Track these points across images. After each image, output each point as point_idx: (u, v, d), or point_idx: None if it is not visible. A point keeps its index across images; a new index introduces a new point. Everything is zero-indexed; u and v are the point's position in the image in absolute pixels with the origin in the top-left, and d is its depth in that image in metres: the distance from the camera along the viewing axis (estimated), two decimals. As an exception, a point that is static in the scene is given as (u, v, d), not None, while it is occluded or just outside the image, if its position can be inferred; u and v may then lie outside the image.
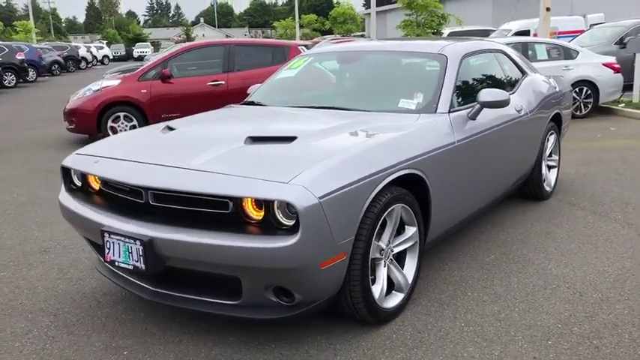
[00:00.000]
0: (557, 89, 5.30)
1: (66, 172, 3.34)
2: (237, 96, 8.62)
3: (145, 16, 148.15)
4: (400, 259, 3.17)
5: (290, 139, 2.99)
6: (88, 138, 8.69)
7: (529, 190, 5.07)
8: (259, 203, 2.60)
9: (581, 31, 17.49)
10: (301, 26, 36.19)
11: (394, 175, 2.90)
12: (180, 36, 71.94)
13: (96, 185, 3.21)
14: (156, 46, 55.69)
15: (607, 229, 4.43)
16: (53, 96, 17.20)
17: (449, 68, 3.80)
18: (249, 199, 2.59)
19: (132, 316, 3.21)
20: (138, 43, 58.33)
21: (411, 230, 3.15)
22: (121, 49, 57.15)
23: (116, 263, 2.82)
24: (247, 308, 2.71)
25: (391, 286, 3.10)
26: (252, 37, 64.95)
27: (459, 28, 20.35)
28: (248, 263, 2.52)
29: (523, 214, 4.83)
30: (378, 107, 3.63)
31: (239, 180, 2.60)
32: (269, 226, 2.57)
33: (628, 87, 11.19)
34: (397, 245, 3.09)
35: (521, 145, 4.49)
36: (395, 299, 3.08)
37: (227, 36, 72.24)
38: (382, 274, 2.99)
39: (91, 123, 8.51)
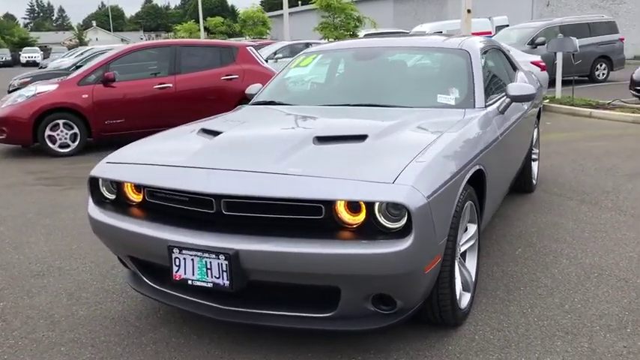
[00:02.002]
0: (539, 84, 5.47)
1: (94, 183, 2.97)
2: (186, 99, 8.28)
3: (26, 19, 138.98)
4: (463, 257, 3.09)
5: (361, 137, 2.82)
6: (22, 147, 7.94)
7: (520, 182, 5.18)
8: (353, 206, 2.42)
9: (488, 33, 18.44)
10: (207, 30, 35.33)
11: (471, 172, 2.83)
12: (71, 40, 68.07)
13: (135, 196, 2.87)
14: (46, 50, 52.29)
15: (606, 217, 4.61)
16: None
17: (474, 63, 3.78)
18: (343, 203, 2.41)
19: (184, 340, 2.90)
20: (25, 48, 54.61)
21: (473, 228, 3.09)
22: (5, 54, 53.18)
23: (189, 282, 2.52)
24: (341, 320, 2.52)
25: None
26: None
27: (373, 30, 20.77)
28: (353, 271, 2.34)
29: (521, 207, 4.93)
30: (417, 103, 3.54)
31: (337, 182, 2.41)
32: (369, 231, 2.40)
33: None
34: (464, 244, 3.02)
35: (524, 138, 4.58)
36: (465, 299, 3.00)
37: (122, 40, 69.29)
38: (458, 274, 2.90)
39: (25, 132, 7.77)
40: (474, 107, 3.48)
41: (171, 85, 8.27)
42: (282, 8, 22.38)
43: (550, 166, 6.43)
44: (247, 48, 8.87)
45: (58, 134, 7.88)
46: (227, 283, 2.44)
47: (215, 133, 3.06)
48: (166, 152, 2.98)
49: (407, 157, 2.55)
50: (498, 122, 3.54)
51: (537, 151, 5.63)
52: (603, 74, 15.87)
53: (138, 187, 2.87)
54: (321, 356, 2.70)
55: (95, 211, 2.93)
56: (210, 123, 3.41)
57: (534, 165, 5.53)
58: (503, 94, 3.73)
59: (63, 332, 3.02)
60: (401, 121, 3.07)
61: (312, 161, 2.61)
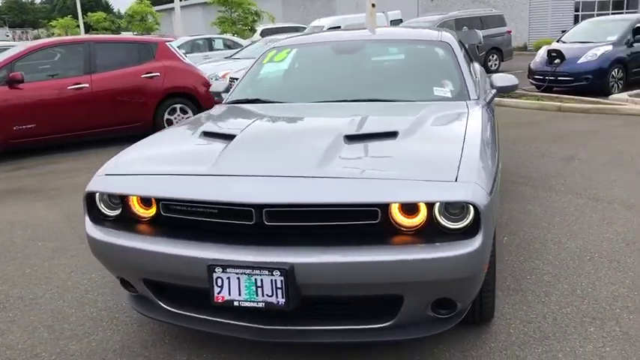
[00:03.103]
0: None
1: (92, 199, 2.60)
2: (104, 100, 7.67)
3: None
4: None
5: (392, 134, 2.68)
6: None
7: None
8: (409, 208, 2.28)
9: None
10: (89, 26, 33.17)
11: (499, 165, 2.79)
12: None
13: (144, 212, 2.54)
14: None
15: (566, 200, 4.80)
16: None
17: (457, 55, 3.77)
18: (398, 205, 2.27)
19: (210, 366, 2.63)
20: None
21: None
22: None
23: (235, 303, 2.26)
24: (399, 329, 2.38)
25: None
26: (20, 38, 57.82)
27: (271, 25, 20.60)
28: (421, 278, 2.20)
29: (484, 196, 5.01)
30: (416, 97, 3.45)
31: (395, 183, 2.26)
32: (429, 233, 2.27)
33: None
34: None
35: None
36: (490, 294, 2.96)
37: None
38: (485, 269, 2.85)
39: None
40: (470, 99, 3.46)
41: (87, 85, 7.61)
42: (168, 2, 21.52)
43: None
44: (167, 44, 8.38)
45: (-43, 143, 7.00)
46: (282, 301, 2.21)
47: (227, 137, 2.78)
48: (177, 160, 2.67)
49: (454, 154, 2.45)
50: (490, 113, 3.54)
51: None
52: (495, 65, 16.80)
53: (146, 202, 2.54)
54: (368, 368, 2.55)
55: (97, 232, 2.56)
56: (208, 125, 3.10)
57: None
58: (487, 85, 3.74)
59: (65, 373, 2.63)
60: (420, 116, 2.97)
61: (357, 162, 2.44)
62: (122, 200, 2.57)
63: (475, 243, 2.20)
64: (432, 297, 2.31)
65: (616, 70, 11.18)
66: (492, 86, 3.67)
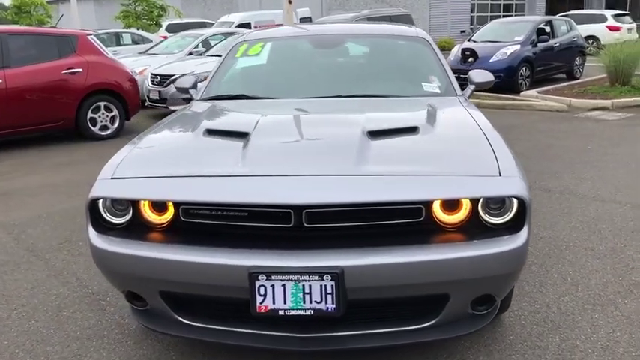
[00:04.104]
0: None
1: (94, 207, 2.32)
2: (21, 97, 7.04)
3: None
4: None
5: (413, 129, 2.62)
6: None
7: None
8: (449, 205, 2.24)
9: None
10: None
11: None
12: None
13: (156, 218, 2.31)
14: None
15: (534, 194, 4.97)
16: None
17: (436, 51, 3.79)
18: (439, 202, 2.22)
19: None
20: None
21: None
22: None
23: (280, 312, 2.11)
24: (442, 328, 2.32)
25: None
26: None
27: (177, 20, 19.91)
28: (470, 275, 2.16)
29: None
30: (408, 92, 3.42)
31: (441, 180, 2.21)
32: (472, 229, 2.24)
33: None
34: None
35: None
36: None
37: None
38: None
39: None
40: (457, 94, 3.48)
41: (1, 81, 6.92)
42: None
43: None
44: (89, 37, 7.81)
45: None
46: (333, 307, 2.09)
47: (238, 135, 2.59)
48: (191, 161, 2.44)
49: (484, 148, 2.43)
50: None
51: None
52: (405, 63, 17.26)
53: (159, 207, 2.31)
54: (400, 370, 2.49)
55: (104, 242, 2.29)
56: (208, 123, 2.87)
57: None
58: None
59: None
60: (428, 111, 2.92)
61: (392, 159, 2.35)
62: (133, 206, 2.32)
63: (521, 237, 2.20)
64: (476, 294, 2.28)
65: (524, 68, 11.84)
66: (470, 82, 3.71)
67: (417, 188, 2.18)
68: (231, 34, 12.23)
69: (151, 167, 2.43)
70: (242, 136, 2.58)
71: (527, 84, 11.87)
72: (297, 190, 2.15)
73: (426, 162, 2.34)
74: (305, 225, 2.16)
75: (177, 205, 2.26)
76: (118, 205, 2.35)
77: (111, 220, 2.35)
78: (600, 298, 3.08)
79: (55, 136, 7.82)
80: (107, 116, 7.86)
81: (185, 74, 9.06)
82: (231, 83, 3.71)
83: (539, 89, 11.25)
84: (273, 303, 2.11)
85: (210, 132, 2.70)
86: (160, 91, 9.25)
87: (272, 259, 2.10)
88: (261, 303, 2.11)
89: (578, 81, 12.70)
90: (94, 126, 7.75)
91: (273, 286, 2.09)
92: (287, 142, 2.55)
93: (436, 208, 2.22)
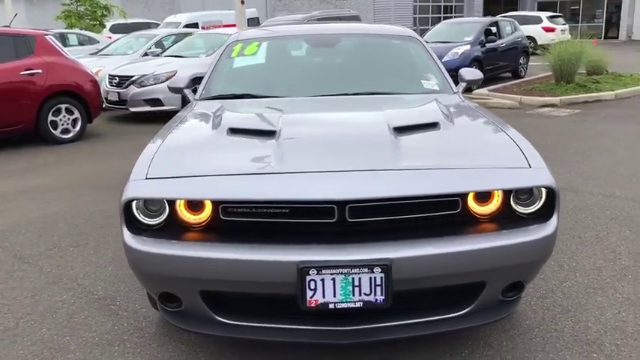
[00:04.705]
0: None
1: (128, 208, 2.28)
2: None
3: None
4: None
5: (434, 124, 2.71)
6: None
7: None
8: (482, 196, 2.33)
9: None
10: None
11: None
12: None
13: (193, 217, 2.30)
14: None
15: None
16: None
17: (429, 50, 3.90)
18: (473, 194, 2.31)
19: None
20: None
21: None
22: None
23: (330, 306, 2.14)
24: (475, 315, 2.41)
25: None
26: None
27: (122, 21, 19.39)
28: (506, 263, 2.27)
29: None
30: (411, 89, 3.52)
31: (479, 172, 2.31)
32: (504, 219, 2.33)
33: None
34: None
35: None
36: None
37: None
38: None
39: None
40: (454, 92, 3.59)
41: (-45, 83, 6.60)
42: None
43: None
44: (47, 37, 7.53)
45: None
46: (382, 298, 2.14)
47: (265, 133, 2.60)
48: (224, 159, 2.43)
49: (507, 141, 2.55)
50: (469, 106, 3.72)
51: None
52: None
53: (195, 206, 2.30)
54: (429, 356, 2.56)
55: (142, 244, 2.25)
56: (229, 122, 2.84)
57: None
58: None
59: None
60: (440, 107, 3.02)
61: (425, 153, 2.43)
62: (169, 206, 2.29)
63: (552, 225, 2.32)
64: (509, 281, 2.38)
65: (474, 67, 12.23)
66: (462, 80, 3.84)
67: (457, 181, 2.26)
68: (186, 34, 12.06)
69: (184, 166, 2.40)
70: (269, 134, 2.59)
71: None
72: (341, 186, 2.19)
73: (458, 156, 2.42)
74: (348, 219, 2.20)
75: (216, 203, 2.26)
76: (151, 205, 2.32)
77: (145, 221, 2.32)
78: (599, 282, 3.26)
79: (13, 140, 7.50)
80: (68, 119, 7.61)
81: (145, 75, 9.01)
82: (233, 83, 3.69)
83: (490, 88, 11.66)
84: (323, 297, 2.14)
85: (235, 131, 2.69)
86: (119, 93, 9.01)
87: (321, 254, 2.14)
88: (311, 297, 2.13)
89: (525, 79, 13.24)
90: (55, 129, 7.48)
91: (323, 280, 2.12)
92: (319, 139, 2.59)
93: (470, 200, 2.31)
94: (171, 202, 2.29)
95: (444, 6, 29.09)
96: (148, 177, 2.32)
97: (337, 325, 2.29)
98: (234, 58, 3.84)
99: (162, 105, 8.87)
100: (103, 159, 6.72)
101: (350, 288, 2.14)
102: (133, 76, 9.01)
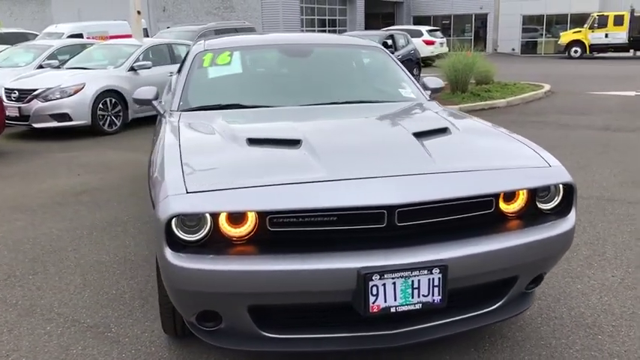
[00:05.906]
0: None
1: (169, 225, 2.15)
2: None
3: None
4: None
5: (445, 130, 2.82)
6: None
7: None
8: (509, 195, 2.47)
9: (129, 36, 18.10)
10: None
11: None
12: None
13: (234, 231, 2.22)
14: None
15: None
16: None
17: (395, 59, 4.04)
18: (502, 193, 2.45)
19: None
20: None
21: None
22: None
23: (392, 310, 2.16)
24: (504, 309, 2.54)
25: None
26: None
27: (3, 30, 17.91)
28: (538, 257, 2.42)
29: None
30: (392, 98, 3.62)
31: (512, 173, 2.43)
32: (528, 215, 2.48)
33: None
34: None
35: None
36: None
37: None
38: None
39: None
40: (428, 100, 3.74)
41: None
42: None
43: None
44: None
45: None
46: (439, 299, 2.20)
47: (290, 142, 2.55)
48: (261, 170, 2.34)
49: (517, 142, 2.72)
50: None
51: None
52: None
53: (236, 219, 2.22)
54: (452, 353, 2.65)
55: (187, 262, 2.13)
56: (247, 133, 2.71)
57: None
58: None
59: None
60: (435, 113, 3.14)
61: (455, 156, 2.51)
62: (214, 220, 2.19)
63: (572, 219, 2.50)
64: (536, 273, 2.53)
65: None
66: (426, 88, 4.01)
67: (495, 181, 2.37)
68: (85, 45, 11.40)
69: (222, 179, 2.29)
70: (293, 143, 2.56)
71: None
72: (389, 191, 2.22)
73: (483, 158, 2.53)
74: (397, 224, 2.24)
75: (263, 214, 2.20)
76: (188, 220, 2.21)
77: (184, 238, 2.20)
78: (571, 271, 3.53)
79: None
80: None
81: (50, 88, 8.40)
82: (214, 93, 3.55)
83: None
84: (385, 301, 2.15)
85: (254, 141, 2.62)
86: (19, 108, 8.30)
87: (379, 259, 2.15)
88: (374, 302, 2.14)
89: (421, 89, 13.94)
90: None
91: (384, 284, 2.14)
92: (349, 146, 2.60)
93: (500, 199, 2.44)
94: (214, 216, 2.20)
95: (329, 19, 29.91)
96: (189, 191, 2.20)
97: (389, 328, 2.31)
98: (208, 68, 3.72)
99: (71, 120, 8.31)
100: (22, 179, 6.18)
101: (409, 291, 2.17)
102: (35, 90, 8.36)
